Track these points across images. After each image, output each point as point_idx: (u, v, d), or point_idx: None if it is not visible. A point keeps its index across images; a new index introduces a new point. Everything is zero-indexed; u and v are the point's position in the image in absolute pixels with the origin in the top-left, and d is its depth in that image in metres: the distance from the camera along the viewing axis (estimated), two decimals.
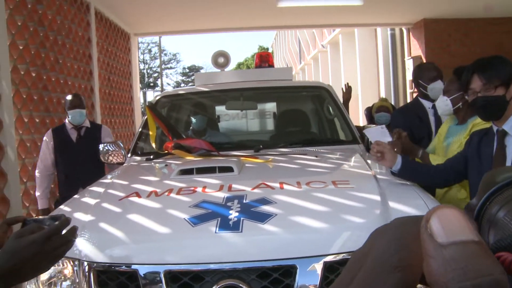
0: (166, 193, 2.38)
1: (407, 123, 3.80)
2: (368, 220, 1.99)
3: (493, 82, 2.18)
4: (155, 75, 44.75)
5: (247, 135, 4.37)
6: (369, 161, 2.93)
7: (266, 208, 2.05)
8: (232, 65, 5.06)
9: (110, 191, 2.63)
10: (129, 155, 3.71)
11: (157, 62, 43.90)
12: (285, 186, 2.33)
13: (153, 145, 3.67)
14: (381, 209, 2.06)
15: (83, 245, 1.99)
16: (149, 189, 2.50)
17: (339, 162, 3.09)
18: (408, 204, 2.16)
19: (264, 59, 4.87)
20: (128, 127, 8.33)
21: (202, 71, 42.66)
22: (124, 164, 3.53)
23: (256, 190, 2.28)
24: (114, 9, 7.25)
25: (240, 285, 1.78)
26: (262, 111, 5.00)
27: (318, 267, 1.80)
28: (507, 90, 2.19)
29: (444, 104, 2.95)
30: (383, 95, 10.04)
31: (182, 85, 42.69)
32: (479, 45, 8.64)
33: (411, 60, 9.43)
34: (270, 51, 40.38)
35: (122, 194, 2.48)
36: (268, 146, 3.46)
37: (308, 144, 3.52)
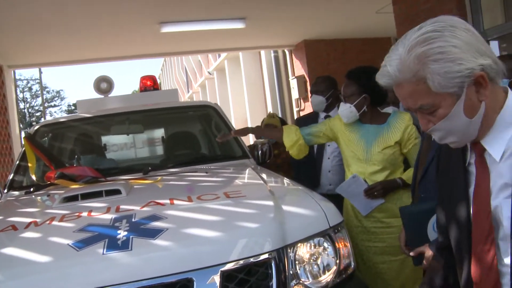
0: (48, 222, 2.19)
1: None
2: (263, 225, 1.97)
3: None
4: (38, 114, 42.35)
5: (135, 161, 4.21)
6: (260, 172, 2.94)
7: (156, 224, 1.95)
8: (113, 91, 4.89)
9: None
10: (5, 191, 3.40)
11: (39, 100, 41.66)
12: (176, 202, 2.25)
13: (33, 177, 3.40)
14: (274, 213, 2.05)
15: None
16: (28, 220, 2.29)
17: (230, 176, 3.07)
18: (301, 206, 2.18)
19: (148, 82, 4.76)
20: (7, 167, 7.72)
21: None
22: (0, 201, 3.23)
23: (145, 208, 2.18)
24: None
25: None
26: (151, 138, 4.86)
27: (216, 277, 1.74)
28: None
29: (348, 111, 2.92)
30: None
31: None
32: (355, 63, 9.18)
33: (295, 79, 9.79)
34: (158, 81, 40.04)
35: None
36: (157, 168, 3.35)
37: (198, 162, 3.47)
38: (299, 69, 10.04)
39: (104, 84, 4.59)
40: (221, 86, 16.22)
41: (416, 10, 5.96)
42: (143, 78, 4.83)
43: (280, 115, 10.30)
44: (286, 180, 2.78)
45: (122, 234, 1.88)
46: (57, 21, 6.34)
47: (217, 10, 7.05)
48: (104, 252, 1.76)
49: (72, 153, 4.00)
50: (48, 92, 44.95)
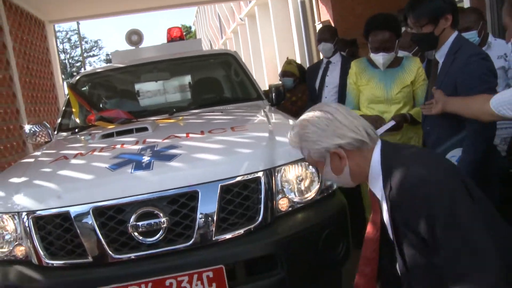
0: (90, 153, 2.76)
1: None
2: (256, 151, 2.48)
3: (420, 20, 2.53)
4: (78, 64, 43.47)
5: (163, 104, 4.74)
6: (268, 112, 3.43)
7: (173, 151, 2.49)
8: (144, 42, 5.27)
9: (40, 159, 2.97)
10: (55, 132, 4.01)
11: (79, 51, 42.62)
12: (191, 135, 2.78)
13: (77, 120, 3.99)
14: (267, 142, 2.56)
15: (19, 200, 2.35)
16: (75, 152, 2.87)
17: (241, 114, 3.55)
18: None
19: (174, 33, 5.22)
20: (53, 115, 8.42)
21: None
22: (52, 140, 3.84)
23: (166, 141, 2.71)
24: None
25: (155, 211, 2.23)
26: (177, 84, 5.36)
27: (216, 190, 2.27)
28: (436, 26, 2.52)
29: (388, 59, 3.26)
30: (298, 59, 10.61)
31: None
32: (380, 7, 9.30)
33: (321, 24, 10.01)
34: (192, 29, 40.16)
35: (51, 159, 2.84)
36: (181, 109, 3.87)
37: (218, 104, 3.96)
38: (325, 14, 10.21)
39: (135, 37, 5.10)
40: (252, 31, 16.48)
41: None
42: (170, 30, 5.30)
43: (307, 59, 10.63)
44: (287, 118, 3.25)
45: (146, 159, 2.42)
46: None
47: None
48: (132, 172, 2.32)
49: (108, 98, 4.57)
50: (86, 42, 45.81)
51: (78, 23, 33.10)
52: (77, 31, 40.07)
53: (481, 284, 1.40)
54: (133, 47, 5.07)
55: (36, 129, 3.97)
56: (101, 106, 4.21)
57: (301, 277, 2.37)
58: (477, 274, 1.41)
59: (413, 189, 1.51)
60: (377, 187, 1.67)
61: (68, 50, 43.88)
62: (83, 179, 2.40)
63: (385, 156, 1.65)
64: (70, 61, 43.69)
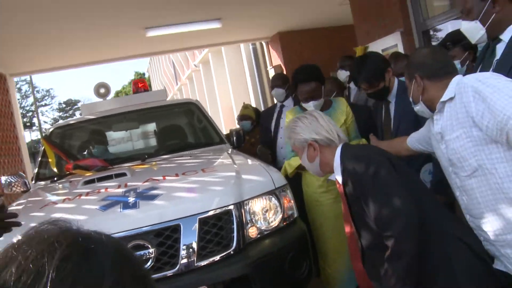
0: (77, 197, 3.10)
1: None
2: (226, 188, 2.90)
3: (372, 84, 3.14)
4: (29, 114, 42.91)
5: (135, 151, 5.10)
6: (232, 154, 3.86)
7: (154, 192, 2.88)
8: (111, 94, 5.59)
9: (29, 205, 3.28)
10: (32, 182, 4.29)
11: (30, 100, 42.17)
12: (167, 177, 3.17)
13: (54, 169, 4.29)
14: (235, 180, 2.98)
15: None
16: (62, 197, 3.20)
17: (208, 157, 3.97)
18: (255, 174, 3.10)
19: (140, 85, 5.64)
20: (17, 166, 8.58)
21: (80, 103, 42.02)
22: (31, 190, 4.12)
23: (146, 183, 3.09)
24: None
25: (144, 243, 2.59)
26: (145, 132, 5.76)
27: (195, 222, 2.67)
28: (384, 80, 3.15)
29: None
30: (253, 103, 11.17)
31: (60, 121, 41.40)
32: (326, 50, 10.04)
33: (272, 69, 10.66)
34: (146, 76, 40.63)
35: (40, 205, 3.15)
36: (152, 155, 4.25)
37: (184, 149, 4.37)
38: (276, 59, 10.88)
39: (102, 89, 5.48)
40: (207, 77, 17.01)
41: (367, 3, 6.85)
42: (135, 82, 5.72)
43: (261, 102, 11.21)
44: (249, 159, 3.69)
45: (131, 199, 2.79)
46: (51, 33, 7.11)
47: (195, 14, 7.87)
48: (121, 211, 2.69)
49: (82, 148, 4.89)
50: (38, 91, 45.45)
51: (30, 75, 32.85)
52: (27, 81, 39.76)
53: (398, 226, 1.97)
54: (101, 99, 5.44)
55: (12, 179, 4.23)
56: (76, 155, 4.54)
57: None
58: (395, 220, 1.98)
59: (352, 165, 2.18)
60: (339, 175, 2.28)
61: (19, 100, 43.29)
62: (77, 219, 2.73)
63: (343, 152, 2.31)
64: (21, 111, 43.04)
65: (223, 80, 14.38)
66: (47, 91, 49.05)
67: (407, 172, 2.23)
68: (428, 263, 2.03)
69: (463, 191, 2.02)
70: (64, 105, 47.39)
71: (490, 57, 2.25)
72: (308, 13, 9.21)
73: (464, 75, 2.06)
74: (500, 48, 2.17)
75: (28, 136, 39.26)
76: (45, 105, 46.55)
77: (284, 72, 10.32)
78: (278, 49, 10.74)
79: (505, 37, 2.15)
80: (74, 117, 21.55)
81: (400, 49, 6.34)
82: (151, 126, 5.59)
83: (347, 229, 2.40)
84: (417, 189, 2.20)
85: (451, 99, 1.97)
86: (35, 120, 38.97)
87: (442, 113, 2.05)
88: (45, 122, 44.07)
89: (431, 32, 6.22)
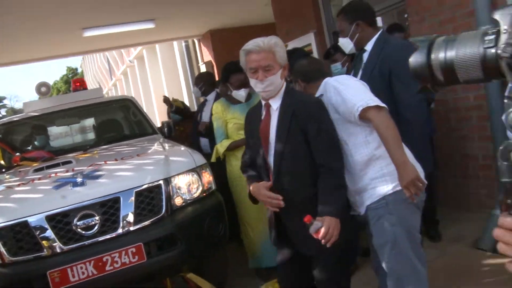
0: (31, 181, 3.72)
1: None
2: (156, 167, 3.64)
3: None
4: None
5: (77, 144, 5.70)
6: (162, 142, 4.57)
7: (98, 173, 3.57)
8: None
9: None
10: None
11: None
12: (108, 162, 3.86)
13: (2, 162, 4.83)
14: (164, 161, 3.71)
15: None
16: (16, 183, 3.80)
17: (142, 146, 4.65)
18: (180, 156, 3.85)
19: (79, 84, 6.22)
20: None
21: (6, 100, 41.06)
22: None
23: (90, 167, 3.76)
24: None
25: (91, 212, 3.28)
26: (86, 126, 6.36)
27: (132, 195, 3.38)
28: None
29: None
30: (185, 97, 11.83)
31: None
32: None
33: (204, 65, 11.37)
34: (79, 71, 40.06)
35: None
36: (92, 146, 4.89)
37: (121, 140, 5.03)
38: (207, 56, 11.59)
39: (44, 88, 6.02)
40: (141, 73, 17.46)
41: (286, 6, 7.71)
42: (74, 81, 6.29)
43: (194, 97, 11.90)
44: (176, 145, 4.41)
45: (79, 179, 3.47)
46: None
47: (130, 14, 8.45)
48: (71, 188, 3.36)
49: (27, 143, 5.44)
50: None
51: None
52: None
53: (337, 167, 2.47)
54: (43, 97, 5.98)
55: None
56: (22, 148, 5.09)
57: (194, 250, 3.53)
58: (336, 162, 2.49)
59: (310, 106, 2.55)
60: (277, 102, 2.60)
61: None
62: (34, 197, 3.39)
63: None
64: None
65: (158, 75, 14.93)
66: None
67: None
68: None
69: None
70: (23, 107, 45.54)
71: (360, 62, 3.14)
72: (236, 12, 9.92)
73: (346, 73, 2.86)
74: (365, 56, 3.08)
75: None
76: None
77: (214, 67, 11.07)
78: (209, 46, 11.43)
79: (368, 47, 3.06)
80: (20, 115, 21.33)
81: (314, 48, 7.24)
82: (91, 121, 6.19)
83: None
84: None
85: (321, 95, 2.79)
86: None
87: None
88: None
89: None
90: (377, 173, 2.49)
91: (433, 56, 0.85)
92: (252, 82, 2.56)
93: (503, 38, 0.74)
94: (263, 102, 2.65)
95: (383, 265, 2.50)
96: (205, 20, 10.33)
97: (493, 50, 0.76)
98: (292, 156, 2.51)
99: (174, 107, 6.79)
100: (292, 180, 2.53)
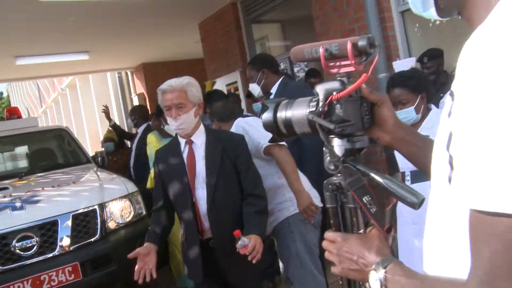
0: None
1: None
2: (91, 193, 3.98)
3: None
4: None
5: (11, 171, 5.87)
6: (97, 171, 4.89)
7: (36, 198, 3.86)
8: None
9: None
10: None
11: None
12: (45, 188, 4.15)
13: None
14: (98, 188, 4.06)
15: None
16: None
17: (77, 174, 4.95)
18: (114, 184, 4.20)
19: (13, 112, 6.40)
20: None
21: None
22: None
23: (28, 193, 4.03)
24: None
25: (30, 234, 3.56)
26: (19, 154, 6.52)
27: (69, 218, 3.70)
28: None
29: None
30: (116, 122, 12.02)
31: None
32: None
33: (136, 96, 11.67)
34: (4, 95, 38.74)
35: None
36: (28, 173, 5.12)
37: (56, 168, 5.30)
38: (140, 88, 11.90)
39: None
40: (73, 101, 17.33)
41: (214, 46, 8.25)
42: (8, 109, 6.48)
43: (126, 127, 12.12)
44: (110, 174, 4.76)
45: (18, 204, 3.75)
46: None
47: (65, 46, 8.67)
48: (10, 212, 3.63)
49: None
50: None
51: None
52: None
53: (264, 195, 2.72)
54: None
55: None
56: None
57: (126, 269, 3.85)
58: (263, 191, 2.74)
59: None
60: (200, 138, 2.73)
61: None
62: None
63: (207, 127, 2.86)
64: None
65: (90, 104, 14.97)
66: None
67: None
68: None
69: None
70: None
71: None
72: (169, 47, 10.33)
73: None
74: (272, 97, 3.59)
75: None
76: None
77: (147, 99, 11.39)
78: (142, 78, 11.75)
79: (273, 91, 3.58)
80: None
81: (239, 85, 7.78)
82: (24, 149, 6.37)
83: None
84: None
85: None
86: None
87: None
88: None
89: None
90: (281, 198, 2.99)
91: (278, 114, 1.14)
92: (168, 120, 2.69)
93: (319, 106, 1.10)
94: (182, 140, 2.74)
95: (289, 275, 2.99)
96: (138, 54, 10.66)
97: (309, 113, 1.07)
98: (224, 187, 2.64)
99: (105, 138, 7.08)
100: (225, 209, 2.65)
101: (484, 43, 0.68)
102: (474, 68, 0.68)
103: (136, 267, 2.56)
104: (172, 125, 2.66)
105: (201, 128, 2.73)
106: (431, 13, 0.91)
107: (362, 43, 0.98)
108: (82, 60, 9.76)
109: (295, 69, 7.03)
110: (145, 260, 2.59)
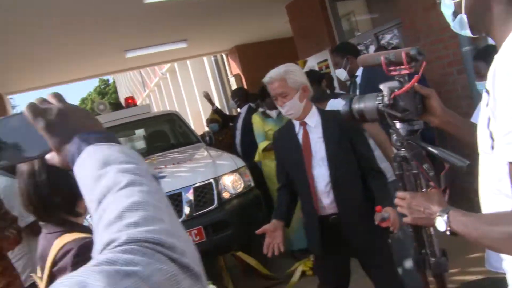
0: None
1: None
2: (206, 169, 4.63)
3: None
4: None
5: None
6: (206, 149, 5.58)
7: (162, 174, 4.57)
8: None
9: None
10: None
11: None
12: (167, 166, 4.87)
13: None
14: (211, 164, 4.71)
15: None
16: None
17: (190, 152, 5.65)
18: (224, 160, 4.84)
19: (129, 101, 7.29)
20: None
21: None
22: None
23: (155, 170, 4.76)
24: None
25: None
26: (135, 138, 7.42)
27: (191, 189, 4.38)
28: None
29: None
30: (218, 107, 12.79)
31: None
32: (279, 59, 11.57)
33: (233, 77, 12.30)
34: (110, 82, 41.36)
35: None
36: (146, 154, 5.91)
37: (171, 148, 6.06)
38: (235, 69, 12.50)
39: (101, 106, 7.12)
40: (174, 85, 18.35)
41: (303, 26, 8.60)
42: (127, 99, 7.37)
43: (225, 106, 12.87)
44: (219, 151, 5.42)
45: None
46: (39, 55, 8.24)
47: (166, 37, 9.46)
48: None
49: None
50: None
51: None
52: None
53: (382, 169, 2.80)
54: (101, 114, 7.06)
55: None
56: None
57: (241, 233, 4.49)
58: (379, 165, 2.81)
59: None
60: (313, 119, 2.79)
61: None
62: None
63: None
64: None
65: (190, 86, 15.86)
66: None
67: None
68: None
69: None
70: None
71: (355, 86, 4.08)
72: (260, 28, 10.74)
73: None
74: (358, 81, 4.02)
75: None
76: None
77: (243, 79, 11.98)
78: (236, 60, 12.30)
79: (358, 73, 4.00)
80: None
81: (330, 63, 8.07)
82: (141, 132, 7.27)
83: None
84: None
85: None
86: None
87: None
88: None
89: None
90: None
91: (352, 106, 1.58)
92: (278, 108, 2.84)
93: (384, 99, 1.49)
94: (297, 122, 2.81)
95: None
96: (232, 37, 11.18)
97: (380, 105, 1.51)
98: (345, 164, 2.71)
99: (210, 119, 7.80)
100: (349, 185, 2.72)
101: (510, 55, 1.10)
102: (505, 72, 1.09)
103: (265, 241, 2.68)
104: (283, 112, 2.80)
105: (314, 109, 2.80)
106: (467, 33, 1.33)
107: (413, 52, 1.42)
108: (181, 48, 10.53)
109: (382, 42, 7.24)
110: (272, 236, 2.69)
